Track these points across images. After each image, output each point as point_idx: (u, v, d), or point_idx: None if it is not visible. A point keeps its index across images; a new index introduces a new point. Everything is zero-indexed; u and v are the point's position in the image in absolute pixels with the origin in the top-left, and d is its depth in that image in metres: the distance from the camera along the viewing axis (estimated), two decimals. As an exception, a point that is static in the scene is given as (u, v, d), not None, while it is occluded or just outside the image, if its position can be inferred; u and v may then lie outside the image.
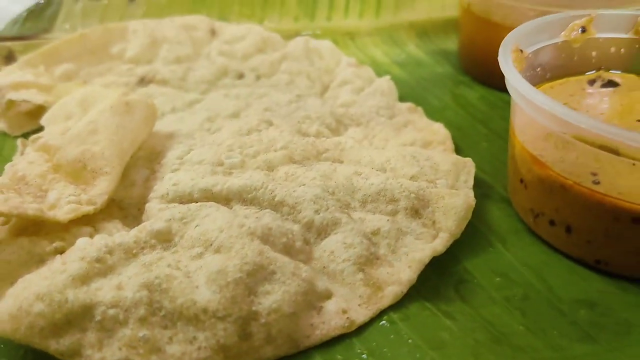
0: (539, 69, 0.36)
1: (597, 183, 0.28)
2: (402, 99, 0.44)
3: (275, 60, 0.47)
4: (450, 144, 0.38)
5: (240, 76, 0.45)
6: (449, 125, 0.40)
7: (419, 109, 0.42)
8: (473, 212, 0.32)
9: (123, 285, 0.25)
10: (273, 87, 0.44)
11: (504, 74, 0.30)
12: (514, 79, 0.29)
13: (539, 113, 0.28)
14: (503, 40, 0.33)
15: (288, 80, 0.45)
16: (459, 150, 0.39)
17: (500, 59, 0.31)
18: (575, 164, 0.28)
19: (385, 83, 0.44)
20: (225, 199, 0.31)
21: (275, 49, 0.48)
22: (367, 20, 0.55)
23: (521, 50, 0.33)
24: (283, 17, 0.55)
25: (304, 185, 0.31)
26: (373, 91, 0.43)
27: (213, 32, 0.49)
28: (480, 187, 0.36)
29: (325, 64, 0.47)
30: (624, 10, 0.36)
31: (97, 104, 0.36)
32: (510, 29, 0.42)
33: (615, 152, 0.26)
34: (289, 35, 0.53)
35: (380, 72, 0.49)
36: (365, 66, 0.47)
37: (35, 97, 0.40)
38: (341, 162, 0.35)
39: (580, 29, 0.36)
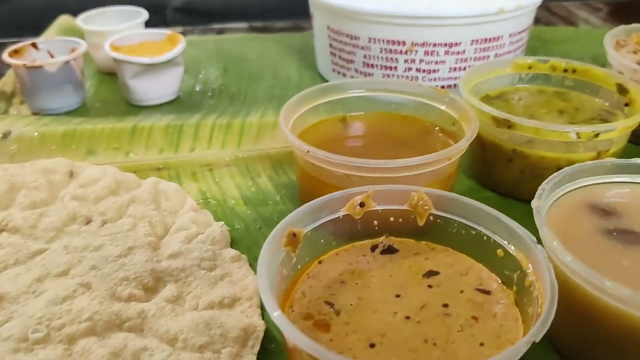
0: (322, 240, 0.41)
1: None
2: (236, 243, 0.49)
3: (124, 203, 0.51)
4: (256, 300, 0.43)
5: (88, 221, 0.49)
6: (267, 274, 0.45)
7: (243, 257, 0.47)
8: (250, 378, 0.36)
9: None
10: (113, 235, 0.48)
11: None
12: (261, 290, 0.33)
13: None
14: (275, 228, 0.37)
15: (131, 225, 0.49)
16: (266, 304, 0.43)
17: (261, 254, 0.35)
18: None
19: (217, 229, 0.49)
20: (17, 381, 0.35)
21: (128, 190, 0.53)
22: (229, 151, 0.60)
23: (294, 234, 0.38)
24: (149, 149, 0.59)
25: (90, 365, 0.35)
26: (205, 239, 0.48)
27: (71, 175, 0.54)
28: (271, 343, 0.40)
29: (171, 205, 0.52)
30: (398, 186, 0.42)
31: None
32: (325, 183, 0.48)
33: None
34: (150, 168, 0.58)
35: (225, 210, 0.53)
36: (204, 210, 0.51)
37: None
38: (142, 330, 0.39)
39: (359, 204, 0.41)
